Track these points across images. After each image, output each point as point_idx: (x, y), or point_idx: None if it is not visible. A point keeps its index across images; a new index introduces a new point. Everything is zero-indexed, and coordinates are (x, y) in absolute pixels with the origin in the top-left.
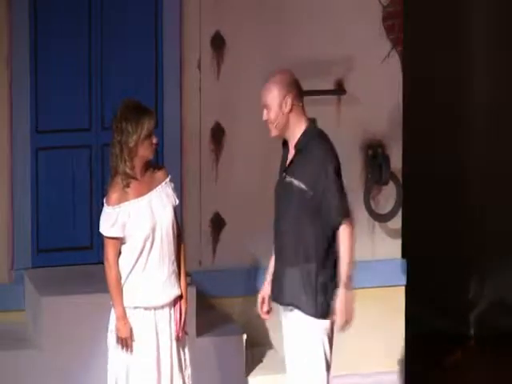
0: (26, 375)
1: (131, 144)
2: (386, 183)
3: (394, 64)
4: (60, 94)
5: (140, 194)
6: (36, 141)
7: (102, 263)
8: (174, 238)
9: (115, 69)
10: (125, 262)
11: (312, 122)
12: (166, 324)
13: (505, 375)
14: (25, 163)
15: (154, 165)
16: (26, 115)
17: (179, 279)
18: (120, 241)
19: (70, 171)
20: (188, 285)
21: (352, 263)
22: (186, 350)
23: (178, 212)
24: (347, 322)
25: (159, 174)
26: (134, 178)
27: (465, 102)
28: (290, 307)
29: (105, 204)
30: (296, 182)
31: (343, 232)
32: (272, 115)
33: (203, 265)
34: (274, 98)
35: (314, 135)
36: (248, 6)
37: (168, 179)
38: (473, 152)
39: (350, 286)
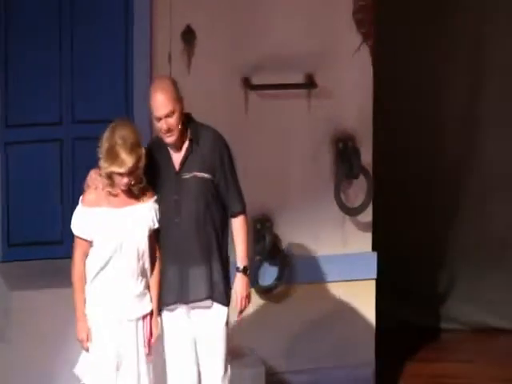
0: None
1: (103, 170)
2: (357, 177)
3: (365, 58)
4: (30, 87)
5: (116, 205)
6: (5, 135)
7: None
8: (144, 258)
9: (86, 62)
10: (90, 267)
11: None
12: (131, 338)
13: (474, 367)
14: None
15: (144, 181)
16: None
17: (149, 298)
18: (88, 243)
19: (40, 165)
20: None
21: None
22: (151, 371)
23: None
24: (246, 308)
25: (145, 192)
26: (117, 189)
27: (438, 99)
28: (207, 302)
29: (80, 201)
30: (199, 175)
31: (244, 219)
32: (177, 120)
33: None
34: (173, 105)
35: (198, 124)
36: (219, 0)
37: (152, 200)
38: (446, 146)
39: (247, 273)
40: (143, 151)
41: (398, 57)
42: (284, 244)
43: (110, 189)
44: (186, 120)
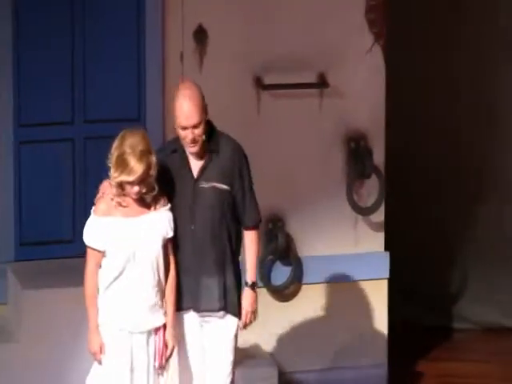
0: (6, 368)
1: (114, 180)
2: (369, 176)
3: (377, 57)
4: (42, 87)
5: (129, 214)
6: (18, 135)
7: (84, 257)
8: (158, 268)
9: (98, 62)
10: (103, 278)
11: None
12: (143, 350)
13: (486, 367)
14: (7, 157)
15: (156, 190)
16: (8, 109)
17: (164, 309)
18: (101, 254)
19: (52, 165)
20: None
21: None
22: (167, 382)
23: None
24: (251, 323)
25: (158, 200)
26: (129, 199)
27: (452, 98)
28: (220, 313)
29: (92, 211)
30: (218, 185)
31: (257, 233)
32: (203, 130)
33: None
34: (201, 115)
35: (218, 132)
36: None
37: (166, 208)
38: (459, 146)
39: (255, 289)
40: (154, 159)
41: (410, 56)
42: (296, 244)
43: (120, 199)
44: (207, 128)
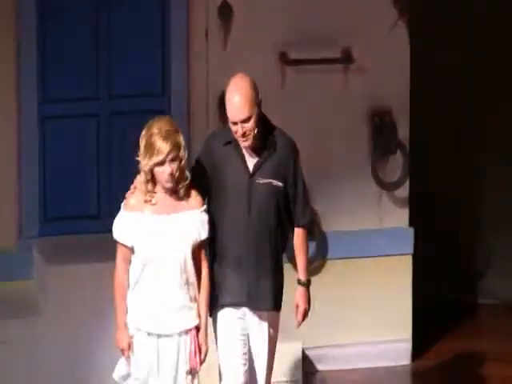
0: (33, 344)
1: (144, 168)
2: (394, 152)
3: (402, 33)
4: (67, 62)
5: (160, 211)
6: (43, 110)
7: (109, 232)
8: (186, 269)
9: (123, 37)
10: (131, 274)
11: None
12: (170, 353)
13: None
14: (32, 132)
15: (192, 188)
16: (32, 84)
17: (196, 311)
18: (130, 250)
19: (77, 140)
20: None
21: None
22: None
23: None
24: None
25: (193, 199)
26: (162, 195)
27: (478, 74)
28: (272, 312)
29: (122, 206)
30: (274, 182)
31: (305, 231)
32: (253, 124)
33: None
34: (251, 109)
35: (273, 127)
36: None
37: (201, 209)
38: (485, 120)
39: (309, 287)
40: (182, 140)
41: (434, 33)
42: (320, 219)
43: (149, 197)
44: (262, 122)
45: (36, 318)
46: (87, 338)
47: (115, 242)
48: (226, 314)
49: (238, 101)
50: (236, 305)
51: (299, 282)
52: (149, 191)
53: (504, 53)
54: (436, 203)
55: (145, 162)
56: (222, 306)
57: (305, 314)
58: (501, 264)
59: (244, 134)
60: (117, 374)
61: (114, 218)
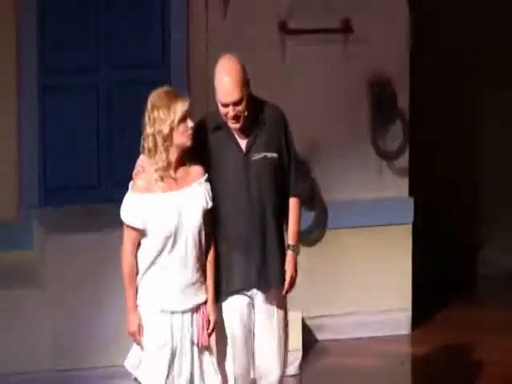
0: (34, 313)
1: (165, 131)
2: (394, 121)
3: (401, 3)
4: (67, 33)
5: (169, 188)
6: (43, 80)
7: (110, 202)
8: (200, 242)
9: (123, 7)
10: (143, 258)
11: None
12: (186, 329)
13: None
14: (31, 103)
15: (190, 161)
16: (32, 55)
17: (205, 286)
18: (139, 232)
19: (77, 111)
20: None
21: None
22: (213, 360)
23: None
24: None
25: (194, 171)
26: (168, 172)
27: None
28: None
29: (129, 188)
30: (269, 155)
31: (299, 200)
32: (244, 106)
33: None
34: (242, 91)
35: (259, 102)
36: None
37: (204, 179)
38: (487, 95)
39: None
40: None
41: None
42: (321, 189)
43: (161, 172)
44: (250, 101)
45: (37, 288)
46: (88, 307)
47: (116, 214)
48: (234, 301)
49: (228, 82)
50: (245, 289)
51: (288, 246)
52: (163, 169)
53: (505, 24)
54: (437, 174)
55: (168, 123)
56: (231, 293)
57: (292, 282)
58: (500, 235)
59: (235, 116)
60: (128, 362)
61: (114, 188)
